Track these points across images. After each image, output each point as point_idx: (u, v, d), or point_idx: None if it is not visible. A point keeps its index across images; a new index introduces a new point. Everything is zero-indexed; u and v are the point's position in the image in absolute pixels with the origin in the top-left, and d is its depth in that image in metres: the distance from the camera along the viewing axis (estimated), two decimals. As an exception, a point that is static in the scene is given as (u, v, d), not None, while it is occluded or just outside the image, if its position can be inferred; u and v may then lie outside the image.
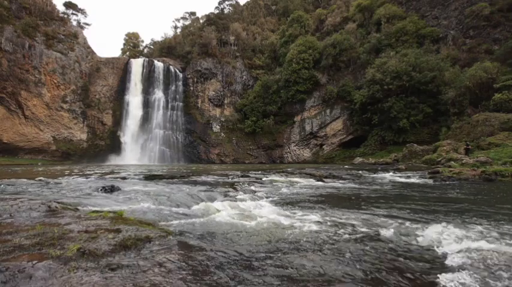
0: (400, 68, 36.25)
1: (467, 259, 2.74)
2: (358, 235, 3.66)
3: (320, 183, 11.19)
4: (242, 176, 12.56)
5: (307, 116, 48.36)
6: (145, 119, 51.87)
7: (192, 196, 6.59)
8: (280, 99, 49.61)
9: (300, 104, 48.85)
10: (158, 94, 52.91)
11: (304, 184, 10.86)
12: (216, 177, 12.37)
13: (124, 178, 11.59)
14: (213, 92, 54.50)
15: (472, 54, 36.25)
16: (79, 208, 4.77)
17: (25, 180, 10.03)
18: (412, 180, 12.38)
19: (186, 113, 53.86)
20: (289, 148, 49.83)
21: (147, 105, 52.33)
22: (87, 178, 11.45)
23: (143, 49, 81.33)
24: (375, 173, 15.50)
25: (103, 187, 7.19)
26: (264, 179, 11.80)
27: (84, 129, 50.29)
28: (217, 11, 72.03)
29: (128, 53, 77.45)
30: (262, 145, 51.24)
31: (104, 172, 17.00)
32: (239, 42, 58.31)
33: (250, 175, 13.20)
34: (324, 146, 47.61)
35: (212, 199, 6.44)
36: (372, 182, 11.56)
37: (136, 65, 53.93)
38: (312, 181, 11.50)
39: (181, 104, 54.07)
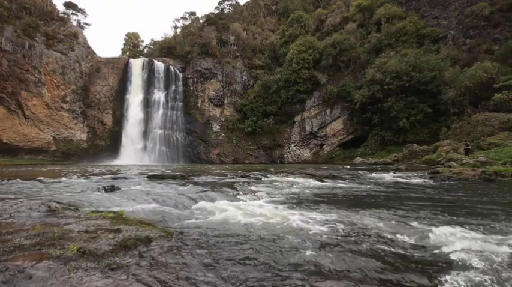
0: (400, 68, 36.24)
1: (470, 259, 2.74)
2: (359, 235, 3.66)
3: (320, 183, 11.19)
4: (242, 176, 12.56)
5: (307, 116, 48.35)
6: (145, 119, 51.86)
7: (192, 196, 6.59)
8: (280, 99, 49.59)
9: (300, 104, 48.83)
10: (158, 94, 52.91)
11: (304, 184, 10.86)
12: (216, 177, 12.37)
13: (124, 178, 11.59)
14: (213, 92, 54.50)
15: (472, 54, 36.26)
16: (79, 208, 4.78)
17: (25, 180, 10.03)
18: (412, 180, 12.38)
19: (186, 113, 53.84)
20: (289, 148, 49.82)
21: (147, 105, 52.32)
22: (87, 178, 11.45)
23: (143, 49, 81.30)
24: (375, 173, 15.49)
25: (103, 187, 7.19)
26: (263, 179, 11.80)
27: (84, 129, 50.28)
28: (217, 11, 72.01)
29: (128, 53, 77.39)
30: (262, 144, 51.23)
31: (103, 171, 17.00)
32: (239, 42, 58.29)
33: (250, 175, 13.20)
34: (324, 146, 47.62)
35: (212, 199, 6.44)
36: (372, 182, 11.56)
37: (136, 65, 53.93)
38: (312, 181, 11.49)
39: (181, 104, 54.05)
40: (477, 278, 2.36)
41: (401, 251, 3.07)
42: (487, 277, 2.39)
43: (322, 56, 47.19)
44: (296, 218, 4.64)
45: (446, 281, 2.36)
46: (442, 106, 34.07)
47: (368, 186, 10.28)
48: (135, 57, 65.86)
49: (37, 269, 2.06)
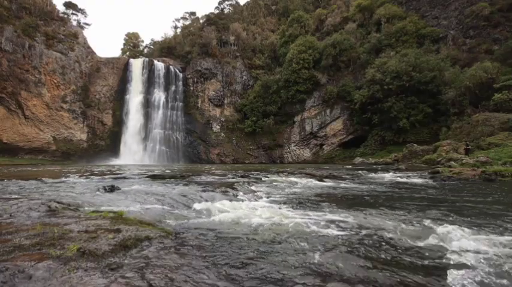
0: (400, 68, 36.24)
1: (471, 260, 2.73)
2: (360, 235, 3.65)
3: (320, 183, 11.19)
4: (242, 176, 12.56)
5: (307, 116, 48.35)
6: (145, 119, 51.86)
7: (192, 196, 6.59)
8: (280, 99, 49.59)
9: (300, 104, 48.83)
10: (158, 94, 52.91)
11: (304, 184, 10.85)
12: (216, 177, 12.37)
13: (124, 178, 11.59)
14: (213, 92, 54.50)
15: (472, 54, 36.26)
16: (79, 208, 4.77)
17: (25, 180, 10.02)
18: (412, 180, 12.38)
19: (186, 113, 53.84)
20: (289, 148, 49.82)
21: (147, 105, 52.31)
22: (87, 178, 11.45)
23: (143, 49, 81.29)
24: (375, 173, 15.49)
25: (103, 187, 7.19)
26: (264, 179, 11.80)
27: (84, 129, 50.27)
28: (217, 11, 72.00)
29: (128, 53, 77.37)
30: (262, 144, 51.22)
31: (104, 171, 17.00)
32: (239, 42, 58.29)
33: (250, 175, 13.20)
34: (324, 146, 47.61)
35: (212, 199, 6.43)
36: (372, 182, 11.56)
37: (136, 65, 53.92)
38: (312, 181, 11.49)
39: (181, 104, 54.05)
40: (478, 280, 2.35)
41: (403, 252, 3.06)
42: (488, 278, 2.38)
43: (322, 56, 47.19)
44: (298, 218, 4.63)
45: (447, 281, 2.36)
46: (442, 106, 34.07)
47: (369, 186, 10.27)
48: (135, 57, 65.87)
49: (37, 269, 2.05)
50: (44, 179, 10.57)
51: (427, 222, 4.39)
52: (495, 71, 29.45)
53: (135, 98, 52.38)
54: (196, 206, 5.68)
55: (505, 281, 2.31)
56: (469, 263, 2.67)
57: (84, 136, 50.16)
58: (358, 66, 45.72)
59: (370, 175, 14.65)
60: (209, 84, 54.69)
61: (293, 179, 12.07)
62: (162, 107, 52.50)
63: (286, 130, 50.37)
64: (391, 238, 3.51)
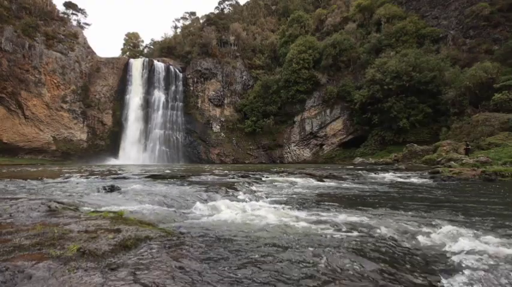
0: (400, 68, 36.24)
1: (471, 260, 2.71)
2: (359, 236, 3.65)
3: (320, 183, 11.19)
4: (242, 176, 12.55)
5: (307, 116, 48.35)
6: (145, 119, 51.87)
7: (192, 196, 6.58)
8: (280, 99, 49.59)
9: (300, 104, 48.83)
10: (158, 94, 52.91)
11: (304, 184, 10.85)
12: (216, 177, 12.36)
13: (124, 178, 11.58)
14: (213, 92, 54.50)
15: (472, 54, 36.27)
16: (79, 208, 4.76)
17: (25, 180, 10.02)
18: (412, 180, 12.38)
19: (186, 113, 53.84)
20: (289, 147, 49.81)
21: (147, 105, 52.32)
22: (87, 178, 11.44)
23: (143, 49, 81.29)
24: (375, 173, 15.49)
25: (103, 187, 7.18)
26: (264, 179, 11.80)
27: (84, 129, 50.26)
28: (217, 11, 72.00)
29: (128, 53, 77.37)
30: (262, 144, 51.21)
31: (103, 171, 16.99)
32: (239, 42, 58.29)
33: (250, 175, 13.19)
34: (324, 146, 47.60)
35: (212, 199, 6.43)
36: (372, 182, 11.56)
37: (136, 65, 53.93)
38: (312, 181, 11.49)
39: (181, 104, 54.05)
40: (478, 280, 2.34)
41: (403, 252, 3.05)
42: (488, 278, 2.37)
43: (322, 56, 47.19)
44: (300, 219, 4.61)
45: (447, 282, 2.35)
46: (442, 106, 34.07)
47: (370, 186, 10.27)
48: (135, 57, 65.85)
49: (37, 269, 2.05)
50: (44, 179, 10.57)
51: (431, 223, 4.37)
52: (495, 71, 29.45)
53: (135, 98, 52.39)
54: (197, 206, 5.67)
55: (501, 284, 2.30)
56: (476, 265, 2.64)
57: (84, 136, 50.15)
58: (358, 66, 45.72)
59: (371, 175, 14.64)
60: (209, 84, 54.69)
61: (293, 179, 12.06)
62: (162, 107, 52.50)
63: (286, 130, 50.36)
64: (388, 238, 3.50)
